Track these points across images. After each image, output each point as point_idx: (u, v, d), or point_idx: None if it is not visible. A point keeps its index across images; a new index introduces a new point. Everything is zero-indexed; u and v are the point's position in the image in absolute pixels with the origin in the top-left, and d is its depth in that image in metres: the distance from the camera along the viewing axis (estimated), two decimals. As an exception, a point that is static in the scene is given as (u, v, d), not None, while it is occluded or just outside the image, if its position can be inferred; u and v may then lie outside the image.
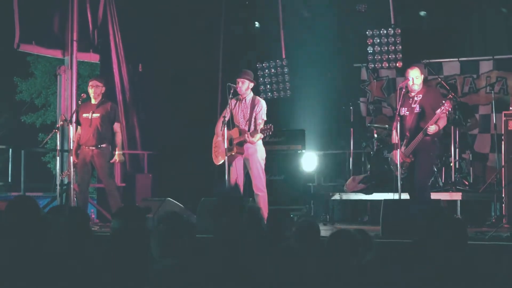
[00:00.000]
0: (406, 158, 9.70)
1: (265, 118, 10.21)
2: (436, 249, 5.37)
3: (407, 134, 9.71)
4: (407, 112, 9.75)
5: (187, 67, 14.02)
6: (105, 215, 12.15)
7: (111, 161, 11.22)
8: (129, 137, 13.54)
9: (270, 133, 9.95)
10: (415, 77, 9.75)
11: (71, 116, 11.33)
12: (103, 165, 11.12)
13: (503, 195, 10.63)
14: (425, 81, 10.62)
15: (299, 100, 14.50)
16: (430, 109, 9.63)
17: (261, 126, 9.99)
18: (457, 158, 12.02)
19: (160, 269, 4.45)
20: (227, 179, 10.13)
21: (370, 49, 13.06)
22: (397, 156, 9.55)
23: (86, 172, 11.21)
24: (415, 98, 9.77)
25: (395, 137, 9.74)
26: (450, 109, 9.67)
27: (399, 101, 9.68)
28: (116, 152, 11.16)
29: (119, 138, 11.26)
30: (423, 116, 9.67)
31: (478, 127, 12.95)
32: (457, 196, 11.42)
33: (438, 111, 9.47)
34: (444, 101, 9.48)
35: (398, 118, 9.61)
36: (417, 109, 9.70)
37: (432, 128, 9.49)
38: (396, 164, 9.63)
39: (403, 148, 9.65)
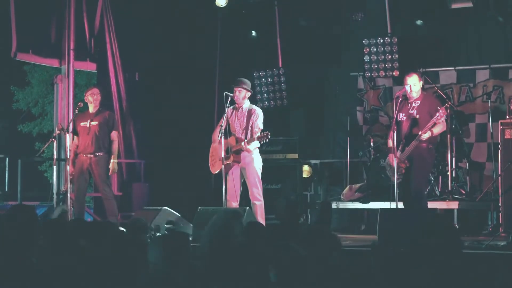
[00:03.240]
0: (401, 163, 9.69)
1: (261, 127, 10.21)
2: (430, 256, 5.38)
3: (403, 139, 9.73)
4: (405, 118, 9.77)
5: (183, 75, 14.04)
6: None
7: (109, 173, 11.24)
8: (126, 146, 13.55)
9: (267, 140, 9.95)
10: (412, 84, 9.78)
11: (68, 125, 11.33)
12: (100, 173, 11.13)
13: (499, 204, 10.62)
14: (422, 89, 10.62)
15: (296, 109, 14.51)
16: (427, 115, 9.64)
17: (258, 134, 10.01)
18: (453, 167, 12.02)
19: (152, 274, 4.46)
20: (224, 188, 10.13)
21: (366, 58, 13.06)
22: (393, 159, 9.55)
23: (83, 181, 11.22)
24: (413, 104, 9.80)
25: (391, 143, 9.73)
26: (445, 116, 9.67)
27: (396, 110, 9.68)
28: (112, 161, 11.18)
29: (115, 146, 11.28)
30: (420, 123, 9.68)
31: (469, 136, 12.96)
32: (454, 205, 11.42)
33: (434, 117, 9.49)
34: (439, 107, 9.50)
35: (395, 127, 9.60)
36: (414, 115, 9.71)
37: (425, 136, 9.50)
38: (392, 167, 9.62)
39: (398, 153, 9.64)
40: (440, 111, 9.40)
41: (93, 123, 11.19)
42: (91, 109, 11.31)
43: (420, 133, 9.54)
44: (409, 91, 9.78)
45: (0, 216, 5.20)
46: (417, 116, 9.71)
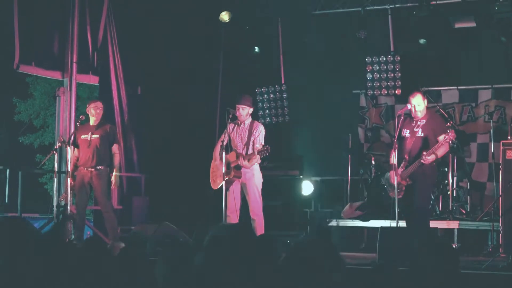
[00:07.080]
0: (402, 181, 9.61)
1: (263, 143, 10.17)
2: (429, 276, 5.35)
3: (406, 156, 9.59)
4: (409, 135, 9.60)
5: (185, 90, 14.04)
6: (102, 237, 12.09)
7: (112, 187, 11.24)
8: (127, 160, 13.52)
9: (267, 154, 9.89)
10: (416, 104, 9.59)
11: (69, 138, 11.31)
12: (101, 187, 11.10)
13: (500, 225, 10.59)
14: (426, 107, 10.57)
15: (298, 126, 14.51)
16: (433, 135, 9.51)
17: (259, 148, 9.95)
18: (454, 186, 12.01)
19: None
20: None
21: (369, 76, 13.09)
22: (394, 177, 9.48)
23: (83, 194, 11.19)
24: (419, 122, 9.63)
25: (393, 160, 9.62)
26: (454, 139, 9.55)
27: (397, 129, 9.60)
28: (114, 174, 11.16)
29: (117, 159, 11.27)
30: (424, 141, 9.54)
31: (470, 156, 12.94)
32: (454, 224, 11.41)
33: (441, 138, 9.35)
34: (449, 130, 9.39)
35: (396, 146, 9.52)
36: (419, 133, 9.57)
37: (429, 158, 9.36)
38: (392, 184, 9.56)
39: (400, 170, 9.56)
40: (450, 134, 9.26)
41: (94, 136, 11.17)
42: (92, 122, 11.29)
43: (424, 153, 9.38)
44: (413, 111, 9.64)
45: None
46: (422, 135, 9.56)
